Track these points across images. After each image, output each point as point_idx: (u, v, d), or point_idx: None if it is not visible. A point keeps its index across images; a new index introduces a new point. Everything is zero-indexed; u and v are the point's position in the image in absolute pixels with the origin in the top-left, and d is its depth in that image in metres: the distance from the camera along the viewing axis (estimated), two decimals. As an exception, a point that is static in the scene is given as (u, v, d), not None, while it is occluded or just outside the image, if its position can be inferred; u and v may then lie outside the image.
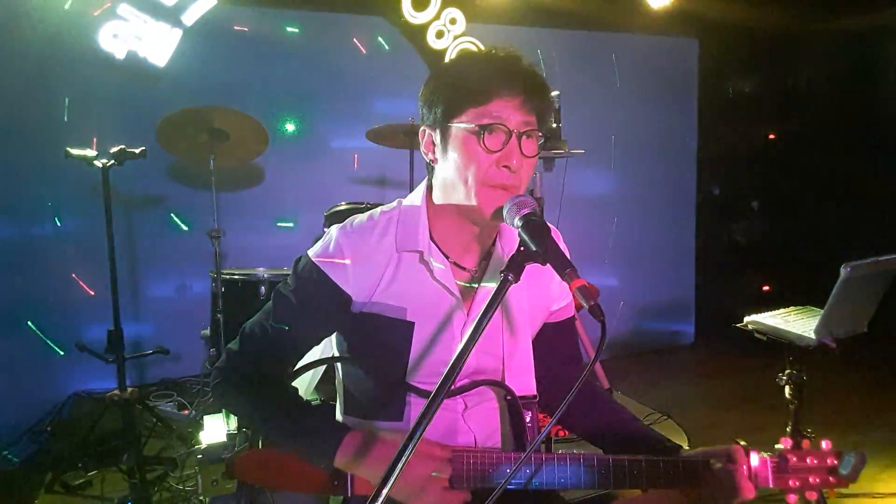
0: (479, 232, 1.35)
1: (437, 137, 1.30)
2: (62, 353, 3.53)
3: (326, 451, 1.26)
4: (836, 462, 1.22)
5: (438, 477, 1.23)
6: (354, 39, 4.18)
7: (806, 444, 1.23)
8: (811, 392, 2.65)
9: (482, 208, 1.25)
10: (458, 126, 1.25)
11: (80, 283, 3.46)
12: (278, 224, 4.12)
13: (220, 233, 3.26)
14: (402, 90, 4.21)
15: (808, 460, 1.22)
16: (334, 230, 1.35)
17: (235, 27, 3.90)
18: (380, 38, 4.25)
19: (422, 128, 1.34)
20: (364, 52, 4.20)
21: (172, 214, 3.91)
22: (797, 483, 1.21)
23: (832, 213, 5.35)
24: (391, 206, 1.39)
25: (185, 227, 3.93)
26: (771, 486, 1.22)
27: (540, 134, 1.28)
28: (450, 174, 1.28)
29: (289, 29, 4.08)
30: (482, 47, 4.32)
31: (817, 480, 1.21)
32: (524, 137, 1.24)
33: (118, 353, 3.18)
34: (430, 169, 1.37)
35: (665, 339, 5.41)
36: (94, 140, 3.25)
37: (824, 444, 1.23)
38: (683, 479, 1.23)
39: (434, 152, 1.32)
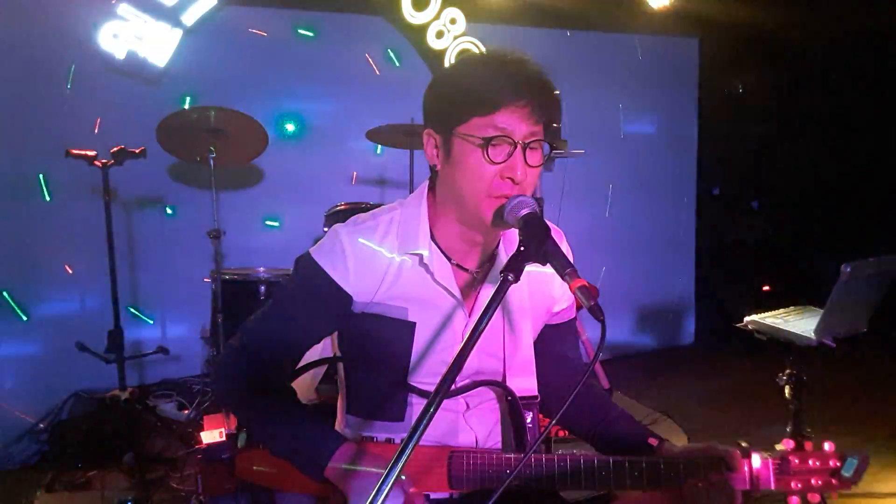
0: (483, 236, 1.34)
1: (440, 142, 1.28)
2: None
3: (317, 463, 1.26)
4: (838, 464, 1.20)
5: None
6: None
7: (808, 445, 1.22)
8: (811, 392, 2.65)
9: (486, 219, 1.25)
10: (463, 135, 1.23)
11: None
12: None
13: (220, 233, 3.26)
14: (401, 90, 4.22)
15: (810, 462, 1.20)
16: (336, 229, 1.34)
17: (235, 27, 3.89)
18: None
19: (426, 130, 1.31)
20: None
21: (167, 208, 3.94)
22: (799, 485, 1.20)
23: (832, 213, 5.35)
24: (393, 207, 1.38)
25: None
26: (773, 488, 1.21)
27: (546, 143, 1.25)
28: (453, 183, 1.27)
29: (288, 29, 4.07)
30: (483, 49, 4.32)
31: (819, 483, 1.20)
32: (529, 148, 1.22)
33: (118, 353, 3.18)
34: (433, 170, 1.35)
35: (665, 339, 5.41)
36: (94, 140, 3.25)
37: (827, 446, 1.22)
38: (685, 479, 1.22)
39: (437, 157, 1.30)
